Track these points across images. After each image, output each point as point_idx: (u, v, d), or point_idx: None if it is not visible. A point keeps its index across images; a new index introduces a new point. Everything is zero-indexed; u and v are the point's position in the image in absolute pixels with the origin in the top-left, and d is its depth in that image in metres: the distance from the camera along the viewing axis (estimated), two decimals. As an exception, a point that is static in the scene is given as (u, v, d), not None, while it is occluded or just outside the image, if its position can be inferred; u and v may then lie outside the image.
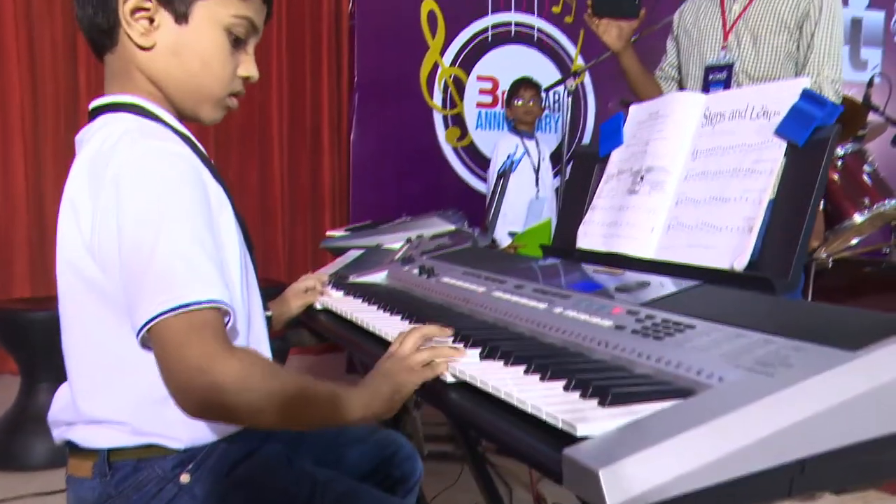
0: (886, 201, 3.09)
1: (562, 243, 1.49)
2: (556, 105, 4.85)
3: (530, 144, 4.22)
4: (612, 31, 2.64)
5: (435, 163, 4.52)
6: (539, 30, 4.73)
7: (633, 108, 1.44)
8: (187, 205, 0.87)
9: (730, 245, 1.10)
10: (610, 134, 1.45)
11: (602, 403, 0.73)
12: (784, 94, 1.11)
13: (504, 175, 2.39)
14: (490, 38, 4.61)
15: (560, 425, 0.69)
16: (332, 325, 1.32)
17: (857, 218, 3.09)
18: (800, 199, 1.03)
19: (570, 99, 3.91)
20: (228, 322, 0.89)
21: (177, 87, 0.99)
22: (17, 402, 2.68)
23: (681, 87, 2.85)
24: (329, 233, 3.29)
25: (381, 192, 4.32)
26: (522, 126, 4.22)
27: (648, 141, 1.32)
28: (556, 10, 4.75)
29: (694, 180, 1.22)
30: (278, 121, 4.40)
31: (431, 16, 4.42)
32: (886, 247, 3.54)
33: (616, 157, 1.42)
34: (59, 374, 2.62)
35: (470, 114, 4.60)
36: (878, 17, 5.74)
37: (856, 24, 5.68)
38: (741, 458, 0.65)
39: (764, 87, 1.19)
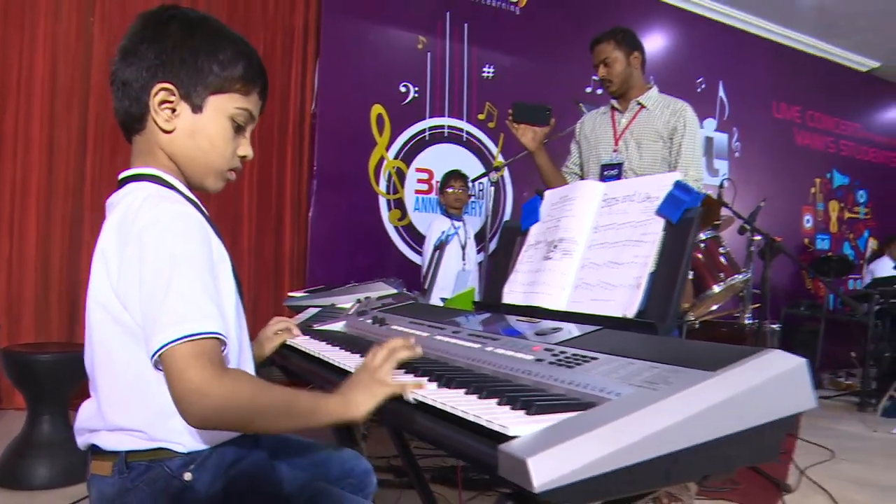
0: (736, 276, 3.28)
1: (490, 299, 1.55)
2: (481, 193, 5.00)
3: (459, 225, 4.33)
4: (528, 135, 2.77)
5: (379, 239, 4.57)
6: (467, 132, 4.91)
7: (548, 193, 1.53)
8: (194, 255, 0.91)
9: (623, 298, 1.18)
10: (530, 212, 1.54)
11: (528, 413, 0.78)
12: (662, 184, 1.22)
13: (440, 247, 2.46)
14: (427, 138, 4.75)
15: (496, 428, 0.74)
16: (301, 363, 1.34)
17: (716, 289, 3.25)
18: (674, 262, 1.13)
19: (492, 188, 4.06)
20: (224, 351, 0.92)
21: (190, 162, 1.04)
22: (23, 431, 2.68)
23: (582, 180, 3.00)
24: (290, 294, 3.29)
25: (333, 263, 4.34)
26: (453, 210, 4.33)
27: (560, 218, 1.41)
28: (482, 117, 4.95)
29: (595, 249, 1.31)
30: (248, 202, 4.40)
31: (379, 118, 4.54)
32: (737, 312, 3.75)
33: (534, 230, 1.51)
34: (59, 408, 2.62)
35: (409, 199, 4.70)
36: (723, 137, 6.25)
37: (709, 140, 6.14)
38: (634, 450, 0.71)
39: (647, 178, 1.29)
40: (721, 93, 6.16)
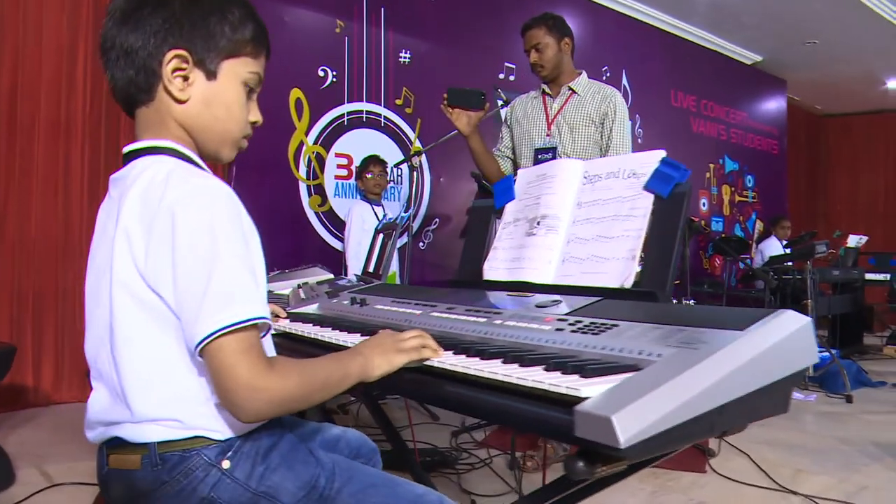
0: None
1: (467, 276, 1.57)
2: (399, 178, 5.00)
3: (378, 210, 4.31)
4: (462, 119, 2.77)
5: (300, 224, 4.48)
6: (385, 118, 4.89)
7: (521, 172, 1.57)
8: (233, 233, 0.87)
9: (617, 270, 1.24)
10: (503, 191, 1.57)
11: (583, 376, 0.81)
12: (648, 161, 1.29)
13: (389, 228, 2.44)
14: (346, 123, 4.69)
15: (564, 391, 0.76)
16: (296, 346, 1.30)
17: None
18: (668, 234, 1.20)
19: (414, 174, 4.07)
20: (267, 333, 0.90)
21: (205, 132, 0.99)
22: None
23: (514, 164, 3.06)
24: (222, 282, 3.17)
25: (254, 250, 4.21)
26: (372, 195, 4.31)
27: (540, 196, 1.45)
28: (399, 102, 4.94)
29: (581, 224, 1.35)
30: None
31: (298, 103, 4.44)
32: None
33: (511, 208, 1.54)
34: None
35: (329, 184, 4.63)
36: (628, 124, 6.51)
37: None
38: (695, 404, 0.76)
39: (631, 155, 1.35)
40: (625, 81, 6.44)
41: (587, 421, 0.71)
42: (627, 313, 1.04)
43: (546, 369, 0.86)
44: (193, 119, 0.98)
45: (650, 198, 1.25)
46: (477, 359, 0.96)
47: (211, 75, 0.97)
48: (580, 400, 0.74)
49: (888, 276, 6.19)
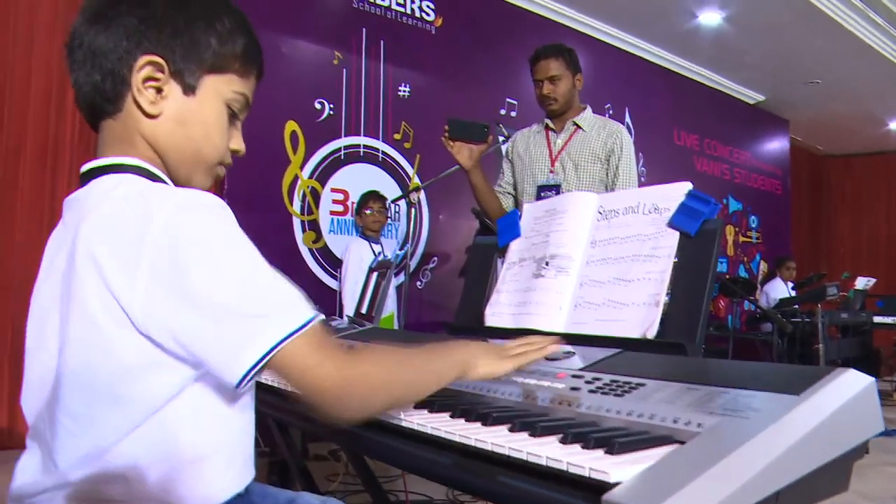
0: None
1: (467, 322, 1.43)
2: (397, 215, 4.89)
3: (376, 248, 4.19)
4: (464, 153, 2.64)
5: (293, 262, 4.35)
6: (383, 152, 4.79)
7: (528, 206, 1.44)
8: (247, 243, 0.78)
9: (637, 317, 1.10)
10: (508, 228, 1.43)
11: (610, 452, 0.67)
12: (672, 194, 1.16)
13: (384, 266, 2.30)
14: (343, 157, 4.59)
15: (588, 474, 0.62)
16: (266, 398, 1.17)
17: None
18: (697, 277, 1.06)
19: (412, 210, 3.95)
20: None
21: (177, 154, 0.87)
22: None
23: (516, 201, 2.94)
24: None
25: (244, 287, 4.07)
26: (370, 232, 4.20)
27: (549, 233, 1.32)
28: (398, 136, 4.85)
29: (596, 265, 1.22)
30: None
31: (293, 135, 4.34)
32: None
33: (516, 246, 1.40)
34: None
35: (324, 220, 4.51)
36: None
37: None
38: (747, 491, 0.61)
39: (652, 188, 1.22)
40: (628, 119, 6.38)
41: (620, 515, 0.56)
42: (654, 369, 0.90)
43: (562, 441, 0.72)
44: (164, 137, 0.86)
45: (675, 235, 1.12)
46: (478, 424, 0.82)
47: (189, 90, 0.85)
48: (609, 486, 0.60)
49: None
